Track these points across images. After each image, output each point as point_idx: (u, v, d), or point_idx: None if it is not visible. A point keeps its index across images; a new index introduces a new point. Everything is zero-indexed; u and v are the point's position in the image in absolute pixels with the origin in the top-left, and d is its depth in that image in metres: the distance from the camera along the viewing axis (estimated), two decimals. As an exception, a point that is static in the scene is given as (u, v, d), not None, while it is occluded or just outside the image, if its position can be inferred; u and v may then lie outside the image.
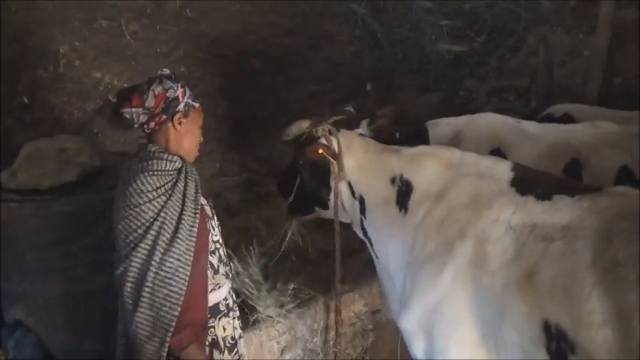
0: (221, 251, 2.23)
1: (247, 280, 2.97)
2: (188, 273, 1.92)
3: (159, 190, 1.94)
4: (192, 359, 1.94)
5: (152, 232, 1.90)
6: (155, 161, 1.99)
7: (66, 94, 3.88)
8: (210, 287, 2.10)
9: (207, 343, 2.10)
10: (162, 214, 1.92)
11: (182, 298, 1.90)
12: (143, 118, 2.01)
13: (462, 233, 2.06)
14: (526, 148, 3.25)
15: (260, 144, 4.42)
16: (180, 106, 2.05)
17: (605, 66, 5.17)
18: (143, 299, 1.87)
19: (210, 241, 2.13)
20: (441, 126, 3.59)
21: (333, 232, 2.71)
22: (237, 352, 2.23)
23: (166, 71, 2.11)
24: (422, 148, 2.52)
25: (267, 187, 4.07)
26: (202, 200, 2.14)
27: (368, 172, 2.52)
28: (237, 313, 2.32)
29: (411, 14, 5.76)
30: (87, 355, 2.54)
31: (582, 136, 3.23)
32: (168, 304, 1.88)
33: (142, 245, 1.89)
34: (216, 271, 2.16)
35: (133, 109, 1.99)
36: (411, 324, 2.19)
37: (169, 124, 2.06)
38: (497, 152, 3.25)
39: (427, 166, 2.35)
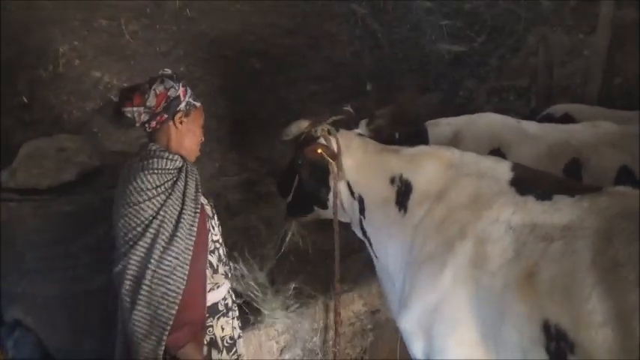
0: (220, 251, 2.22)
1: (252, 283, 2.96)
2: (186, 272, 1.93)
3: (159, 189, 1.95)
4: (189, 359, 1.94)
5: (151, 230, 1.91)
6: (156, 160, 1.99)
7: (65, 94, 3.88)
8: (209, 287, 2.11)
9: (205, 342, 2.10)
10: (161, 212, 1.93)
11: (180, 297, 1.90)
12: (144, 117, 2.03)
13: (462, 233, 2.06)
14: (526, 148, 3.25)
15: (260, 144, 4.42)
16: (182, 106, 2.06)
17: (605, 66, 5.18)
18: (141, 297, 1.87)
19: (209, 240, 2.13)
20: (441, 126, 3.59)
21: (332, 232, 2.71)
22: (236, 352, 2.23)
23: (168, 71, 2.12)
24: (421, 148, 2.51)
25: (267, 187, 4.07)
26: (203, 200, 2.15)
27: (367, 172, 2.52)
28: (237, 313, 2.32)
29: (411, 14, 5.76)
30: (86, 354, 2.54)
31: (582, 136, 3.23)
32: (165, 302, 1.88)
33: (141, 243, 1.90)
34: (215, 271, 2.16)
35: (135, 108, 2.01)
36: (410, 324, 2.18)
37: (170, 124, 2.07)
38: (497, 152, 3.24)
39: (427, 166, 2.34)
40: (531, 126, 3.48)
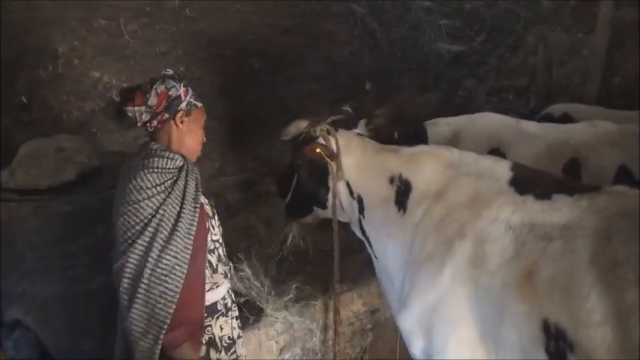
0: (220, 251, 2.23)
1: (255, 282, 2.96)
2: (185, 271, 1.93)
3: (158, 188, 1.95)
4: (185, 358, 1.94)
5: (150, 228, 1.91)
6: (156, 159, 2.00)
7: (65, 94, 3.88)
8: (207, 286, 2.11)
9: (203, 341, 2.10)
10: (160, 211, 1.93)
11: (177, 296, 1.90)
12: (146, 117, 2.04)
13: (461, 233, 2.06)
14: (525, 147, 3.25)
15: (259, 143, 4.43)
16: (183, 105, 2.07)
17: (604, 65, 5.19)
18: (139, 295, 1.88)
19: (209, 240, 2.13)
20: (440, 126, 3.59)
21: (331, 232, 2.71)
22: (235, 352, 2.23)
23: (170, 71, 2.13)
24: (421, 147, 2.52)
25: (267, 187, 4.07)
26: (203, 199, 2.15)
27: (366, 172, 2.52)
28: (236, 314, 2.32)
29: (410, 14, 5.76)
30: (86, 354, 2.54)
31: (581, 136, 3.23)
32: (163, 301, 1.88)
33: (140, 242, 1.90)
34: (214, 270, 2.16)
35: (136, 108, 2.02)
36: (409, 323, 2.19)
37: (172, 123, 2.08)
38: (497, 152, 3.25)
39: (426, 166, 2.35)
40: (530, 125, 3.48)
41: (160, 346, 1.88)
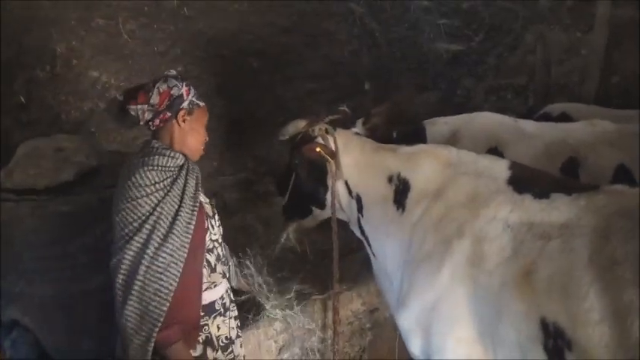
0: (219, 250, 2.22)
1: (257, 280, 2.96)
2: (180, 269, 1.93)
3: (157, 185, 1.96)
4: (177, 357, 1.94)
5: (147, 226, 1.92)
6: (157, 157, 2.01)
7: (63, 94, 3.88)
8: (205, 285, 2.11)
9: (200, 340, 2.10)
10: (158, 208, 1.94)
11: (172, 294, 1.91)
12: (148, 115, 2.05)
13: (460, 232, 2.06)
14: (523, 146, 3.26)
15: (258, 143, 4.42)
16: (185, 104, 2.09)
17: (603, 64, 5.19)
18: (133, 292, 1.88)
19: (208, 239, 2.13)
20: (439, 125, 3.59)
21: (330, 231, 2.71)
22: (232, 351, 2.23)
23: (172, 72, 2.16)
24: (419, 146, 2.52)
25: (265, 187, 4.07)
26: (203, 198, 2.16)
27: (365, 171, 2.52)
28: (235, 314, 2.32)
29: (409, 13, 5.76)
30: (84, 354, 2.54)
31: (579, 135, 3.24)
32: (157, 298, 1.89)
33: (136, 238, 1.91)
34: (213, 270, 2.16)
35: (139, 106, 2.04)
36: (408, 322, 2.19)
37: (174, 122, 2.09)
38: (495, 151, 3.25)
39: (425, 165, 2.35)
40: (529, 125, 3.48)
41: (152, 344, 1.89)
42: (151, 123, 2.07)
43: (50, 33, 3.98)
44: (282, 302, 2.95)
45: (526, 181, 2.07)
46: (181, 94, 2.08)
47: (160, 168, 1.99)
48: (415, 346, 2.20)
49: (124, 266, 1.91)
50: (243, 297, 2.82)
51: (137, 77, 4.07)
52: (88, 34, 4.15)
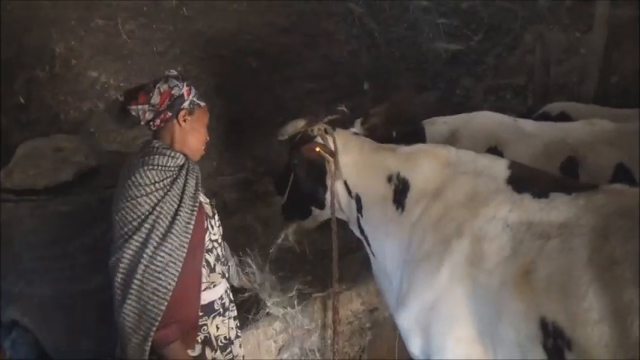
0: (219, 250, 2.23)
1: (264, 280, 2.96)
2: (179, 269, 1.94)
3: (157, 185, 1.96)
4: (174, 356, 1.94)
5: (146, 225, 1.92)
6: (157, 156, 2.02)
7: (62, 94, 3.88)
8: (204, 285, 2.11)
9: (199, 340, 2.10)
10: (158, 208, 1.94)
11: (170, 294, 1.91)
12: (149, 115, 2.05)
13: (459, 231, 2.06)
14: (522, 146, 3.26)
15: (257, 143, 4.42)
16: (185, 104, 2.09)
17: (602, 64, 5.20)
18: (132, 291, 1.89)
19: (207, 239, 2.13)
20: (438, 124, 3.60)
21: (330, 231, 2.71)
22: (231, 352, 2.23)
23: (173, 72, 2.16)
24: (418, 146, 2.52)
25: (264, 186, 4.07)
26: (203, 198, 2.16)
27: (364, 171, 2.52)
28: (234, 314, 2.32)
29: (408, 13, 5.76)
30: (83, 354, 2.54)
31: (578, 134, 3.24)
32: (155, 298, 1.89)
33: (136, 237, 1.91)
34: (212, 270, 2.16)
35: (139, 106, 2.05)
36: (408, 322, 2.19)
37: (174, 122, 2.09)
38: (494, 150, 3.25)
39: (424, 165, 2.35)
40: (528, 124, 3.48)
41: (149, 343, 1.89)
42: (151, 123, 2.07)
43: (50, 33, 3.98)
44: (284, 300, 2.95)
45: (525, 180, 2.07)
46: (182, 94, 2.08)
47: (160, 167, 2.00)
48: (415, 346, 2.20)
49: (122, 265, 1.91)
50: (246, 294, 2.81)
51: (136, 77, 4.06)
52: (88, 34, 4.14)
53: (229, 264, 2.45)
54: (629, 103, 4.19)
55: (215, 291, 2.18)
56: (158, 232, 1.92)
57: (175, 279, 1.92)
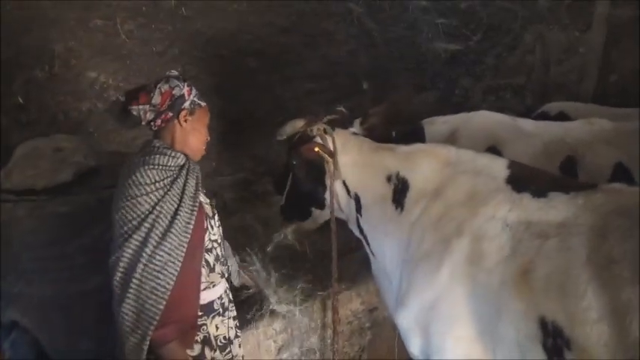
0: (218, 250, 2.23)
1: (272, 279, 2.96)
2: (178, 269, 1.94)
3: (157, 184, 1.97)
4: (172, 356, 1.94)
5: (146, 224, 1.92)
6: (157, 156, 2.02)
7: (61, 94, 3.87)
8: (204, 285, 2.11)
9: (198, 340, 2.11)
10: (157, 207, 1.95)
11: (168, 293, 1.91)
12: (150, 116, 2.06)
13: (459, 230, 2.07)
14: (521, 145, 3.26)
15: (256, 143, 4.42)
16: (186, 104, 2.10)
17: (601, 63, 5.20)
18: (130, 290, 1.89)
19: (207, 239, 2.13)
20: (437, 124, 3.60)
21: (329, 231, 2.71)
22: (230, 352, 2.23)
23: (174, 72, 2.17)
24: (418, 146, 2.52)
25: (264, 186, 4.06)
26: (203, 198, 2.17)
27: (363, 171, 2.53)
28: (234, 314, 2.32)
29: (407, 13, 5.75)
30: (83, 355, 2.53)
31: (577, 134, 3.24)
32: (154, 297, 1.89)
33: (135, 236, 1.91)
34: (211, 270, 2.17)
35: (140, 107, 2.05)
36: (407, 321, 2.19)
37: (175, 122, 2.10)
38: (493, 150, 3.25)
39: (423, 164, 2.35)
40: (527, 124, 3.49)
41: (147, 342, 1.89)
42: (152, 123, 2.08)
43: (49, 33, 3.98)
44: (288, 297, 2.95)
45: (525, 179, 2.08)
46: (183, 94, 2.09)
47: (160, 167, 2.00)
48: (414, 346, 2.20)
49: (122, 264, 1.91)
50: (250, 291, 2.81)
51: (135, 77, 4.06)
52: (86, 34, 4.14)
53: (229, 263, 2.45)
54: (629, 102, 4.20)
55: (214, 291, 2.18)
56: (157, 232, 1.93)
57: (174, 278, 1.93)
